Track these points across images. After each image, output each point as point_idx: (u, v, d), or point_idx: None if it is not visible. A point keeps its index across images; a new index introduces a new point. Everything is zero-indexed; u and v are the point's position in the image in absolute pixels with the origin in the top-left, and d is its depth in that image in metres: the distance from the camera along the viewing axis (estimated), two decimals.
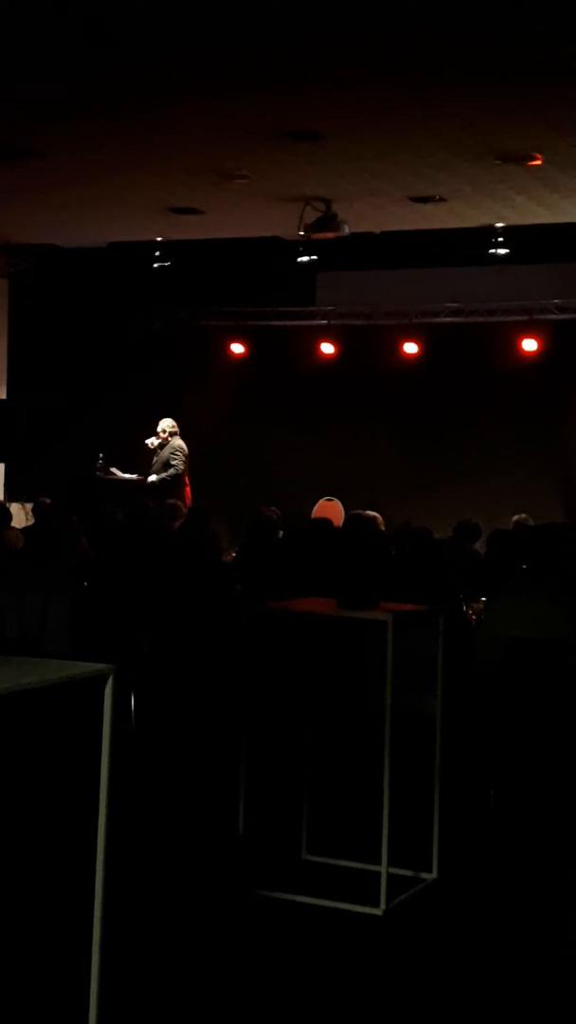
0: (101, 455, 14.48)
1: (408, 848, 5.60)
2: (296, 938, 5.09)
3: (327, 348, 15.79)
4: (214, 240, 14.30)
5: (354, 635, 5.87)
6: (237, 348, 16.25)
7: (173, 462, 14.08)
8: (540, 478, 14.33)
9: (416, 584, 6.97)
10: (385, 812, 5.27)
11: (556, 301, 14.66)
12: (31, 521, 12.20)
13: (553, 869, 5.47)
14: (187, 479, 14.19)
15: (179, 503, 11.61)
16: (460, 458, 14.78)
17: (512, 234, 13.13)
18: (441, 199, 11.78)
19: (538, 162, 10.30)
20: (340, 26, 7.54)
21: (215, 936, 5.06)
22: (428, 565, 7.57)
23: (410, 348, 15.33)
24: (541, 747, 5.47)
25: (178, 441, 14.25)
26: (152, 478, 14.10)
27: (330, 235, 11.81)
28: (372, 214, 12.38)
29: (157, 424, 14.29)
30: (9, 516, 9.96)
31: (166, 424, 14.30)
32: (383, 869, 5.29)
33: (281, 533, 9.57)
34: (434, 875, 5.71)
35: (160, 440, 14.22)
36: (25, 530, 9.59)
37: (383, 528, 10.14)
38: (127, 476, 14.38)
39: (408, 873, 5.62)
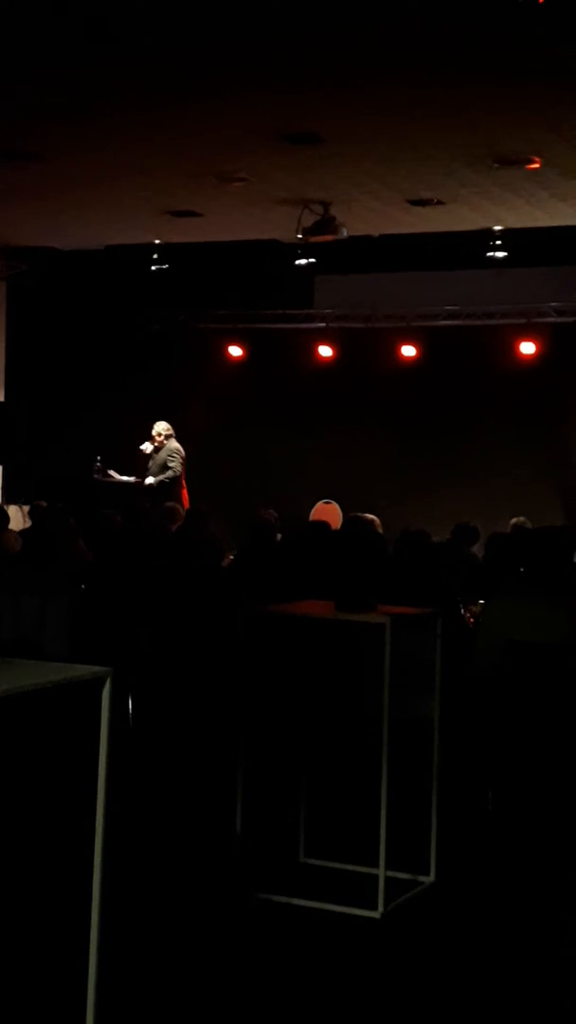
0: (99, 457, 14.49)
1: (406, 851, 5.59)
2: (294, 941, 5.08)
3: (325, 351, 15.78)
4: (212, 243, 14.30)
5: (352, 638, 5.86)
6: (235, 351, 16.25)
7: (171, 464, 14.09)
8: (538, 481, 14.33)
9: (414, 587, 6.96)
10: (383, 815, 5.27)
11: (554, 304, 14.66)
12: (29, 523, 12.18)
13: (551, 872, 5.46)
14: (184, 481, 14.20)
15: (177, 506, 11.60)
16: (458, 461, 14.78)
17: (510, 237, 13.14)
18: (439, 202, 11.79)
19: (536, 165, 10.31)
20: (340, 26, 7.54)
21: (212, 939, 5.04)
22: (426, 568, 7.56)
23: (408, 351, 15.33)
24: (539, 750, 5.46)
25: (175, 443, 14.26)
26: (150, 480, 14.11)
27: (328, 238, 11.82)
28: (370, 217, 12.39)
29: (152, 427, 14.30)
30: (7, 518, 9.95)
31: (161, 427, 14.31)
32: (381, 872, 5.28)
33: (279, 536, 9.56)
34: (432, 878, 5.70)
35: (157, 443, 14.22)
36: (22, 533, 9.58)
37: (381, 531, 10.13)
38: (125, 478, 14.38)
39: (406, 876, 5.61)
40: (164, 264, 14.92)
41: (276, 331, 15.88)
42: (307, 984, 4.65)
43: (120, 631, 7.39)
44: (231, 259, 14.98)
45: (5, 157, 10.51)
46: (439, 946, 5.10)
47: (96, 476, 14.32)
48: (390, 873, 5.33)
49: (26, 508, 13.36)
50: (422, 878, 5.68)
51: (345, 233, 11.71)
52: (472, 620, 7.10)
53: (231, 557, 9.00)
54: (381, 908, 5.27)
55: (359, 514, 10.57)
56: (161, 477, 14.08)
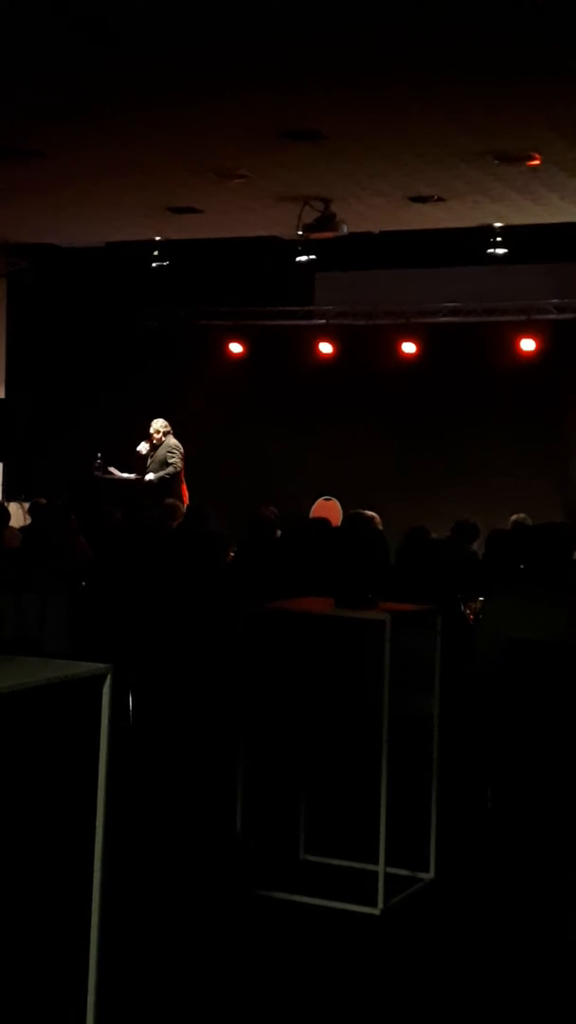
0: (99, 454, 14.49)
1: (406, 848, 5.60)
2: (293, 938, 5.09)
3: (325, 348, 15.79)
4: (213, 240, 14.30)
5: (352, 635, 5.86)
6: (236, 348, 16.25)
7: (171, 460, 14.09)
8: (539, 478, 14.33)
9: (414, 584, 6.97)
10: (383, 812, 5.27)
11: (554, 301, 14.66)
12: (29, 520, 12.19)
13: (551, 870, 5.46)
14: (183, 478, 14.20)
15: (177, 502, 11.61)
16: (458, 458, 14.78)
17: (511, 234, 13.14)
18: (440, 199, 11.79)
19: (536, 162, 10.31)
20: (340, 26, 7.54)
21: (212, 936, 5.05)
22: (426, 565, 7.56)
23: (408, 348, 15.33)
24: (539, 747, 5.47)
25: (173, 440, 14.27)
26: (150, 476, 14.11)
27: (329, 235, 11.81)
28: (371, 214, 12.39)
29: (150, 425, 14.31)
30: (7, 516, 9.96)
31: (159, 424, 14.32)
32: (380, 869, 5.29)
33: (279, 532, 9.57)
34: (431, 875, 5.71)
35: (155, 440, 14.23)
36: (23, 530, 9.59)
37: (381, 528, 10.13)
38: (125, 475, 14.39)
39: (405, 873, 5.62)
40: (164, 261, 14.94)
41: (276, 328, 15.88)
42: (307, 981, 4.66)
43: (120, 628, 7.40)
44: (231, 256, 14.98)
45: (6, 154, 10.51)
46: (438, 943, 5.11)
47: (96, 473, 14.32)
48: (390, 870, 5.33)
49: (26, 505, 13.38)
50: (422, 875, 5.69)
51: (345, 230, 11.70)
52: (472, 617, 7.11)
53: (232, 554, 9.01)
54: (381, 904, 5.28)
55: (359, 511, 10.58)
56: (162, 473, 14.08)
